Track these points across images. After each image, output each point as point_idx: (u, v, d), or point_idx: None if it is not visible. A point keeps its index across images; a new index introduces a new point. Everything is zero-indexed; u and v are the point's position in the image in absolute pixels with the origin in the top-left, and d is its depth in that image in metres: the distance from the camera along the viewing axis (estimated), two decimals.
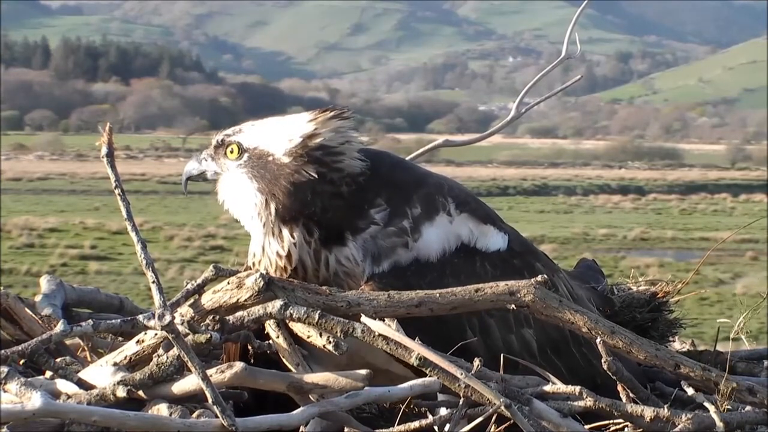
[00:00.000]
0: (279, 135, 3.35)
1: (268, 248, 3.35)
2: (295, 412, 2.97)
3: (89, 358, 3.66)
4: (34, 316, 3.79)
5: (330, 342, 3.05)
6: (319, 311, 3.07)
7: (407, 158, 4.35)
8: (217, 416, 2.87)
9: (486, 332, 3.34)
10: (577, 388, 3.13)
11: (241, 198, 3.38)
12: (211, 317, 3.12)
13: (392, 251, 3.34)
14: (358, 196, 3.34)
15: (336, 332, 3.05)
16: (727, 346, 3.84)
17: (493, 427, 3.06)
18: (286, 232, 3.32)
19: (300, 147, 3.31)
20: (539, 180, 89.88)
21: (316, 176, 3.29)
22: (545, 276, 3.18)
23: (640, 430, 3.13)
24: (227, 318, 3.12)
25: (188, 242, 49.99)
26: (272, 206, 3.31)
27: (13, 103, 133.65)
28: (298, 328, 3.14)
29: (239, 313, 3.13)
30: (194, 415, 2.94)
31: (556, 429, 3.07)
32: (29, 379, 3.08)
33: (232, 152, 3.41)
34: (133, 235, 3.13)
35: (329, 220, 3.32)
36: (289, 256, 3.33)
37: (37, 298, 4.03)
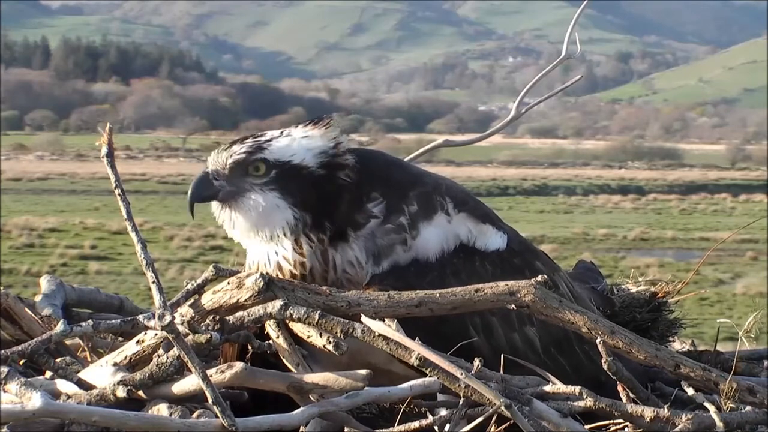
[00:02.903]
0: (306, 147, 3.32)
1: (284, 260, 3.32)
2: (295, 412, 2.97)
3: (89, 358, 3.66)
4: (34, 316, 3.79)
5: (330, 342, 3.05)
6: (319, 311, 3.07)
7: (407, 158, 4.35)
8: (217, 416, 2.87)
9: (489, 331, 3.34)
10: (577, 388, 3.13)
11: (272, 214, 3.30)
12: (211, 317, 3.12)
13: (391, 250, 3.34)
14: (357, 190, 3.34)
15: (336, 332, 3.05)
16: (727, 346, 3.84)
17: (493, 427, 3.06)
18: (307, 240, 3.30)
19: (332, 156, 3.32)
20: (539, 180, 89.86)
21: (348, 181, 3.32)
22: (545, 276, 3.18)
23: (640, 430, 3.13)
24: (227, 318, 3.12)
25: (188, 242, 50.01)
26: (308, 218, 3.29)
27: (13, 103, 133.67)
28: (298, 328, 3.14)
29: (239, 314, 3.13)
30: (194, 415, 2.94)
31: (556, 429, 3.07)
32: (29, 379, 3.08)
33: (257, 170, 3.31)
34: (133, 235, 3.13)
35: (339, 217, 3.32)
36: (303, 263, 3.31)
37: (37, 298, 4.04)
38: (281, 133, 3.37)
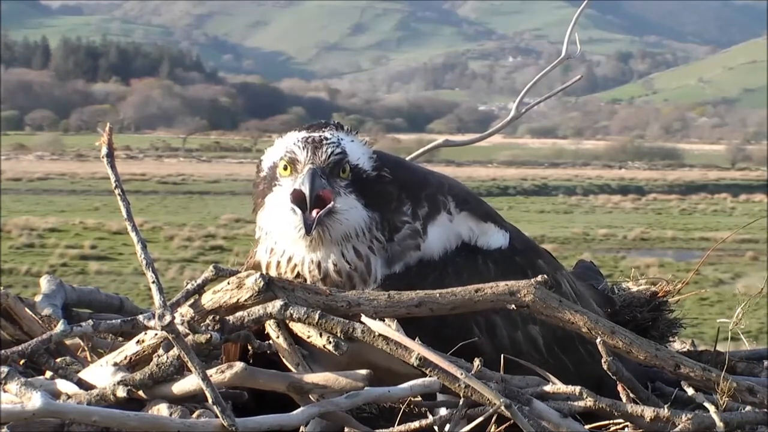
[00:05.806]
0: (361, 151, 3.36)
1: (332, 265, 3.29)
2: (295, 412, 2.97)
3: (89, 358, 3.66)
4: (34, 316, 3.79)
5: (330, 342, 3.05)
6: (319, 311, 3.07)
7: (407, 158, 4.35)
8: (217, 416, 2.86)
9: (492, 330, 3.35)
10: (577, 388, 3.13)
11: (355, 215, 3.31)
12: (211, 317, 3.12)
13: (404, 255, 3.36)
14: (396, 194, 3.38)
15: (336, 332, 3.05)
16: (727, 346, 3.84)
17: (493, 427, 3.06)
18: (376, 241, 3.33)
19: (375, 160, 3.37)
20: (539, 180, 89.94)
21: (391, 178, 3.36)
22: (545, 276, 3.17)
23: (640, 430, 3.13)
24: (227, 318, 3.12)
25: (188, 242, 50.02)
26: (377, 218, 3.32)
27: (13, 103, 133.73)
28: (298, 328, 3.14)
29: (239, 313, 3.13)
30: (194, 415, 2.94)
31: (556, 429, 3.07)
32: (29, 379, 3.08)
33: (344, 172, 3.32)
34: (133, 235, 3.13)
35: (389, 220, 3.36)
36: (348, 271, 3.30)
37: (37, 298, 4.03)
38: (337, 137, 3.34)
